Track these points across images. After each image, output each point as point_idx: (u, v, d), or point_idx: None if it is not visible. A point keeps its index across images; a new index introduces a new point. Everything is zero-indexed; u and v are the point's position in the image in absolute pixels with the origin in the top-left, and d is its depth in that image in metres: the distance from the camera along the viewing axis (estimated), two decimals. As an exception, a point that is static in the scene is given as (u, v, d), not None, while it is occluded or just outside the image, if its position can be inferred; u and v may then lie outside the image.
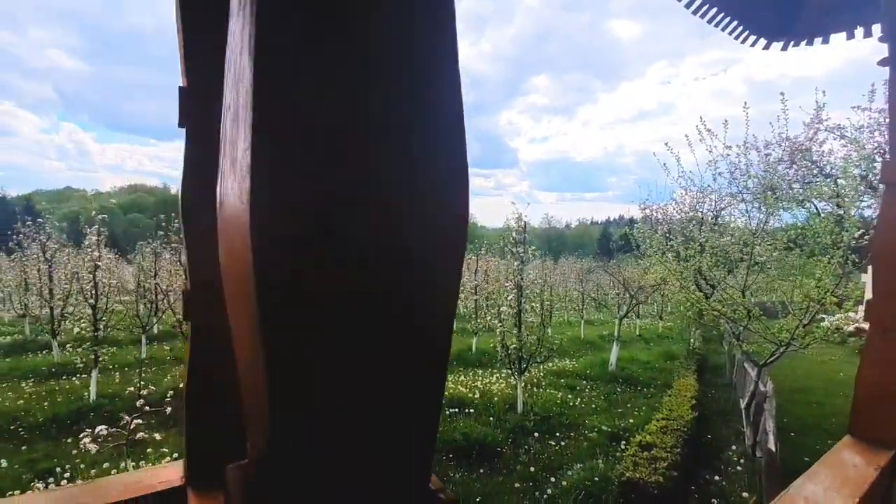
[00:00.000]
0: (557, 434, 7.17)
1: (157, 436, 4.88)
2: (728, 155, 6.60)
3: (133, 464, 4.54)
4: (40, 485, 4.76)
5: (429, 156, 0.46)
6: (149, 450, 5.43)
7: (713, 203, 8.92)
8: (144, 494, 1.23)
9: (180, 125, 1.29)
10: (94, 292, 7.66)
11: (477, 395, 8.51)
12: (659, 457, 5.07)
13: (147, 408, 4.48)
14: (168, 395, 5.36)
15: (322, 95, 0.41)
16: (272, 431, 0.40)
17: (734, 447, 6.52)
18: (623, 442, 6.69)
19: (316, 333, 0.42)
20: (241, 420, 1.35)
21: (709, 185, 7.53)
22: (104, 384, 8.32)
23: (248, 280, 0.40)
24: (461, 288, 20.41)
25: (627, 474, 4.69)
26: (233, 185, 0.44)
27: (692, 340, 12.37)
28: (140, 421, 4.49)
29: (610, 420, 7.76)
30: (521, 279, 7.62)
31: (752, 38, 3.01)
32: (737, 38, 3.10)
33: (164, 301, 10.80)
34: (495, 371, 11.18)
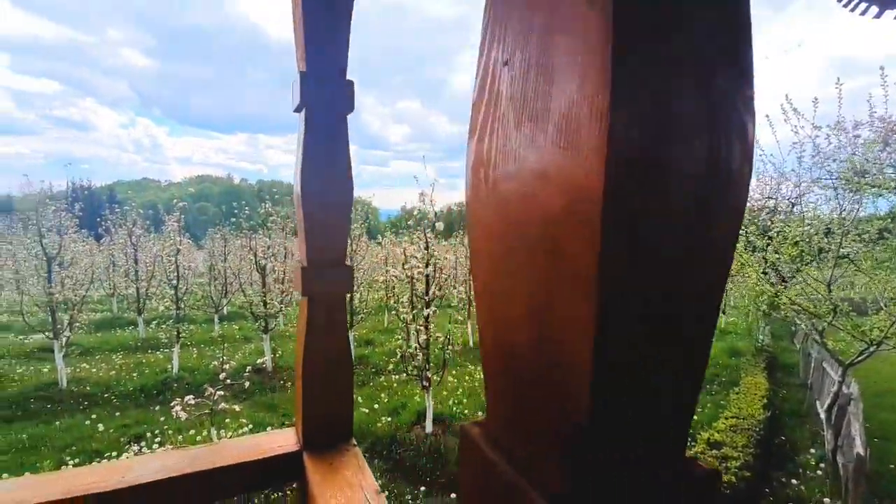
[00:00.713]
0: (616, 427, 6.99)
1: (236, 407, 5.22)
2: (817, 136, 6.05)
3: (215, 431, 4.88)
4: (134, 447, 5.23)
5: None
6: (227, 419, 5.82)
7: (792, 189, 8.27)
8: (265, 457, 1.31)
9: (297, 110, 1.33)
10: (175, 274, 8.25)
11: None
12: (730, 456, 4.83)
13: (227, 381, 4.80)
14: (245, 371, 5.70)
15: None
16: (596, 405, 0.36)
17: (812, 450, 6.09)
18: (689, 440, 6.42)
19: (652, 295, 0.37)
20: (345, 391, 1.39)
21: (792, 170, 6.96)
22: (184, 358, 8.98)
23: (579, 239, 0.34)
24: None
25: (696, 471, 4.50)
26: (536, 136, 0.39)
27: (761, 337, 11.61)
28: (221, 393, 4.82)
29: (671, 415, 7.46)
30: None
31: (864, 5, 2.73)
32: (846, 5, 2.81)
33: (235, 283, 11.47)
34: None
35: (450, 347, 6.21)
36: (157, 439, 5.39)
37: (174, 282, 8.34)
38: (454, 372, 8.37)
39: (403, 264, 5.92)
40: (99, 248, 17.20)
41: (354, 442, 1.43)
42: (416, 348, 6.28)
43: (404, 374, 6.52)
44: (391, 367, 9.74)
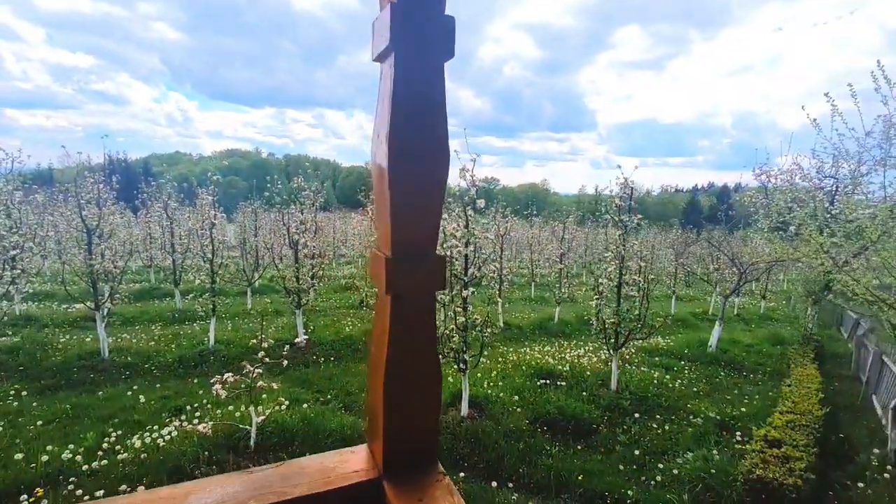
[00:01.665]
0: (657, 416, 6.70)
1: (274, 385, 5.14)
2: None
3: (252, 407, 4.81)
4: (176, 421, 5.23)
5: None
6: (264, 395, 5.77)
7: (853, 169, 7.58)
8: (340, 487, 1.08)
9: (378, 59, 1.04)
10: (211, 248, 8.22)
11: (566, 368, 8.18)
12: (792, 456, 4.49)
13: (266, 359, 4.69)
14: (284, 348, 5.59)
15: None
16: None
17: (875, 450, 5.67)
18: (737, 433, 6.09)
19: None
20: (433, 406, 1.13)
21: (879, 146, 6.32)
22: (219, 331, 9.05)
23: None
24: (543, 256, 19.82)
25: (757, 472, 4.19)
26: None
27: (809, 325, 10.98)
28: (259, 371, 4.73)
29: (715, 406, 7.12)
30: (624, 250, 7.02)
31: None
32: None
33: (266, 257, 11.48)
34: (580, 343, 10.75)
35: (488, 330, 5.97)
36: (197, 413, 5.39)
37: (209, 255, 8.31)
38: (485, 353, 8.16)
39: (442, 244, 5.65)
40: (136, 220, 17.56)
41: (443, 469, 1.18)
42: (452, 330, 6.07)
43: (443, 354, 6.35)
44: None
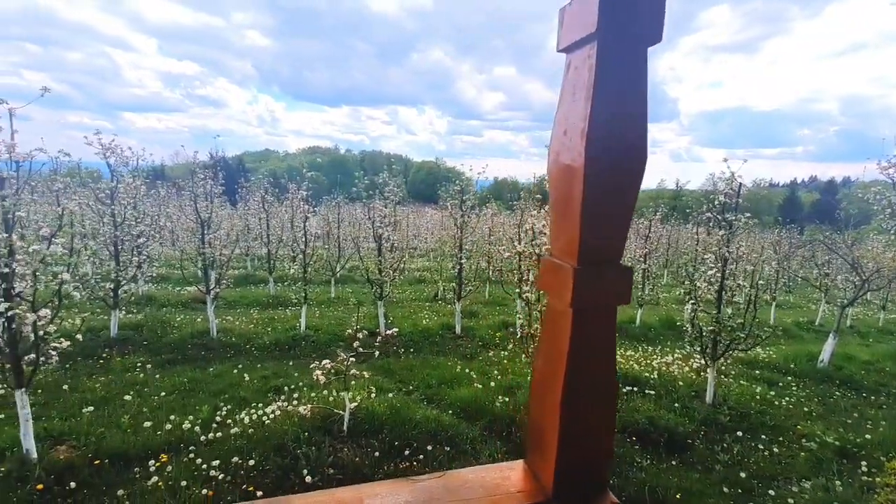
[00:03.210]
0: (762, 436, 6.06)
1: (365, 373, 5.30)
2: None
3: (345, 393, 4.99)
4: (276, 401, 5.58)
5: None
6: (353, 382, 5.98)
7: None
8: (509, 508, 1.01)
9: (571, 48, 0.94)
10: (304, 239, 8.69)
11: (654, 376, 7.67)
12: (946, 498, 3.82)
13: (360, 349, 4.84)
14: (376, 339, 5.75)
15: None
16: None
17: None
18: (862, 462, 5.34)
19: None
20: (607, 428, 1.02)
21: None
22: (309, 317, 9.57)
23: None
24: (625, 255, 18.83)
25: (902, 513, 3.61)
26: None
27: (949, 344, 9.40)
28: (353, 359, 4.89)
29: (832, 430, 6.30)
30: (728, 251, 6.40)
31: None
32: None
33: (348, 248, 11.96)
34: (666, 349, 10.06)
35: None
36: (295, 395, 5.71)
37: (302, 246, 8.80)
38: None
39: (532, 240, 5.49)
40: (234, 212, 19.15)
41: (614, 497, 1.07)
42: (537, 328, 5.90)
43: (523, 356, 6.23)
44: (497, 341, 9.53)
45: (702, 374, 7.42)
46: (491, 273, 13.04)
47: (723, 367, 8.65)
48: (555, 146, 0.99)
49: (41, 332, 3.82)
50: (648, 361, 8.59)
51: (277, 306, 11.29)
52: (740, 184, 6.35)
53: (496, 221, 16.59)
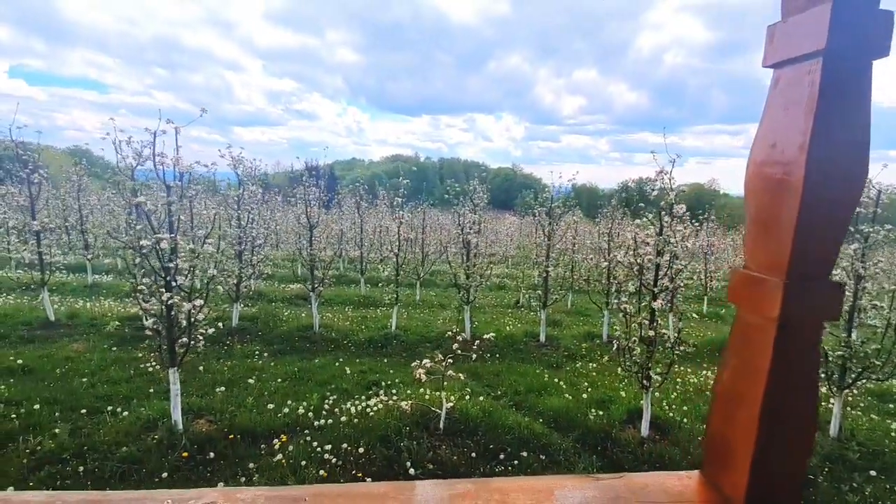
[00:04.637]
0: (904, 480, 5.26)
1: (461, 375, 5.43)
2: None
3: (441, 393, 5.15)
4: (374, 395, 5.89)
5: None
6: (445, 382, 6.15)
7: None
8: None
9: (802, 58, 0.94)
10: (397, 244, 9.11)
11: (765, 400, 6.99)
12: None
13: (459, 352, 4.98)
14: (463, 342, 5.88)
15: None
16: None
17: None
18: None
19: None
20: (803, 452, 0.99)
21: None
22: (398, 318, 9.97)
23: None
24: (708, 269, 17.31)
25: None
26: None
27: None
28: (451, 361, 5.04)
29: None
30: (863, 267, 5.66)
31: None
32: None
33: (436, 252, 12.29)
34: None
35: (681, 347, 5.40)
36: (394, 391, 5.99)
37: (395, 250, 9.23)
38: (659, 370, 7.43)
39: (634, 249, 5.29)
40: (330, 216, 20.56)
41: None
42: (635, 342, 5.65)
43: (619, 369, 5.99)
44: (583, 352, 9.24)
45: (825, 404, 6.62)
46: (574, 282, 12.68)
47: (850, 399, 7.64)
48: (758, 157, 0.99)
49: (192, 320, 4.40)
50: (756, 385, 7.84)
51: (368, 306, 11.91)
52: (879, 191, 5.61)
53: (580, 229, 16.11)
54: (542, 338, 9.66)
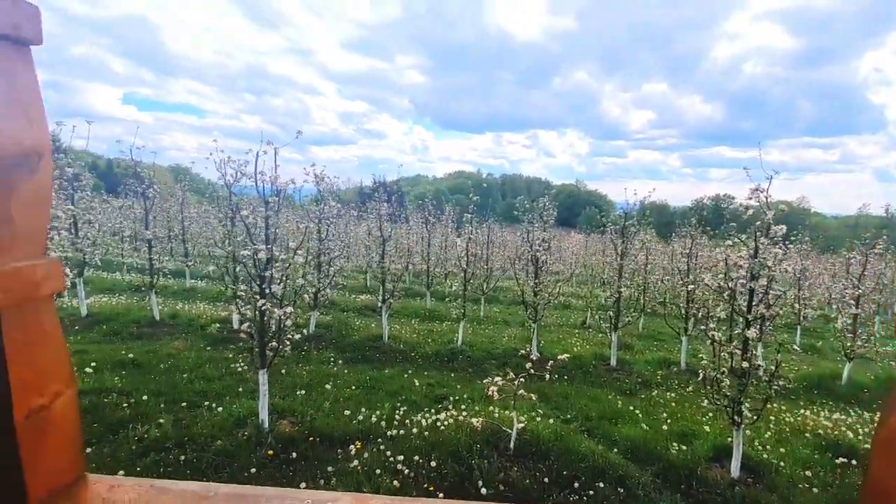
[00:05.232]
0: None
1: (533, 396, 5.28)
2: None
3: (513, 413, 5.03)
4: (443, 409, 5.88)
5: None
6: (515, 402, 6.02)
7: None
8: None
9: None
10: (466, 258, 9.14)
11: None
12: None
13: (532, 372, 4.86)
14: (547, 364, 5.71)
15: None
16: None
17: None
18: None
19: None
20: None
21: None
22: (463, 333, 9.96)
23: None
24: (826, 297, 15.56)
25: None
26: None
27: None
28: (522, 380, 4.92)
29: None
30: None
31: None
32: None
33: (502, 269, 12.17)
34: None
35: (780, 381, 4.89)
36: (462, 406, 5.95)
37: (463, 265, 9.27)
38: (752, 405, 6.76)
39: (725, 273, 4.90)
40: (399, 230, 21.19)
41: None
42: (724, 373, 5.19)
43: (705, 401, 5.51)
44: (659, 380, 8.66)
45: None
46: (647, 304, 11.99)
47: None
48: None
49: (282, 326, 4.67)
50: (866, 430, 6.87)
51: (434, 319, 12.02)
52: None
53: (652, 248, 15.30)
54: (613, 361, 9.20)
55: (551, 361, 5.02)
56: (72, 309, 9.29)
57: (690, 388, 7.80)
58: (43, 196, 1.01)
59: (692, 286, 7.96)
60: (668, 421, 6.41)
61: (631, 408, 6.81)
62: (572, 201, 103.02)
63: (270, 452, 4.54)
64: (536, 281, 9.03)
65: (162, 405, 5.26)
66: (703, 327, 5.23)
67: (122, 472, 3.93)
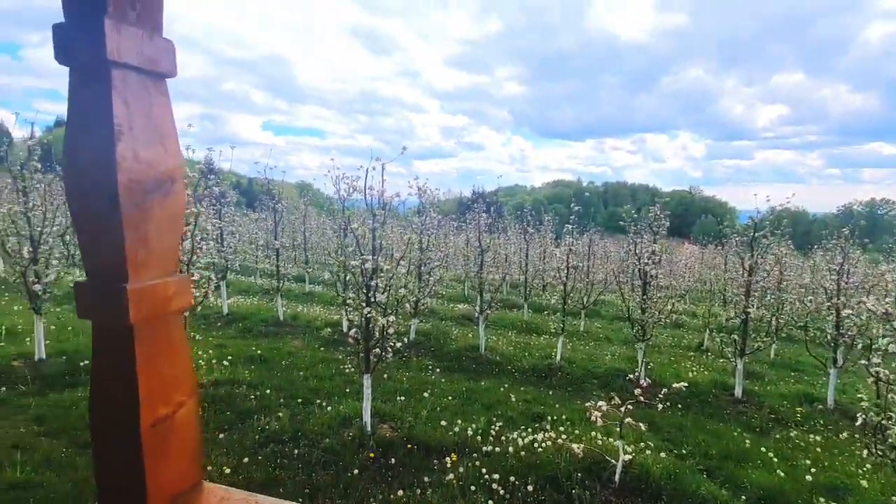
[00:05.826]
0: None
1: (642, 425, 4.76)
2: None
3: (619, 442, 4.57)
4: (540, 429, 5.57)
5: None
6: (619, 429, 5.48)
7: None
8: None
9: None
10: (566, 271, 8.70)
11: None
12: None
13: (642, 399, 4.37)
14: (658, 389, 5.17)
15: None
16: None
17: None
18: None
19: None
20: None
21: None
22: (573, 350, 9.47)
23: None
24: None
25: None
26: None
27: None
28: (631, 407, 4.45)
29: None
30: None
31: None
32: None
33: (605, 282, 11.39)
34: None
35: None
36: (561, 428, 5.59)
37: (563, 278, 8.84)
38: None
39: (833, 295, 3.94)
40: (497, 241, 21.12)
41: None
42: (892, 419, 4.15)
43: (864, 452, 4.47)
44: (798, 418, 7.31)
45: None
46: (781, 328, 10.27)
47: None
48: None
49: (385, 333, 4.80)
50: None
51: (531, 332, 11.64)
52: None
53: (788, 263, 13.18)
54: (738, 392, 8.00)
55: (665, 389, 4.47)
56: (216, 308, 10.70)
57: (845, 434, 6.46)
58: (175, 217, 1.08)
59: (848, 311, 6.57)
60: (812, 469, 5.34)
61: (762, 449, 5.82)
62: (684, 209, 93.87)
63: (371, 455, 4.66)
64: (644, 297, 8.25)
65: (281, 400, 5.74)
66: (862, 361, 4.25)
67: (245, 459, 4.32)
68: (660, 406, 4.83)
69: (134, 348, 0.95)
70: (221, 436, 4.67)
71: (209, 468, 4.06)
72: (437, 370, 7.80)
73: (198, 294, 5.79)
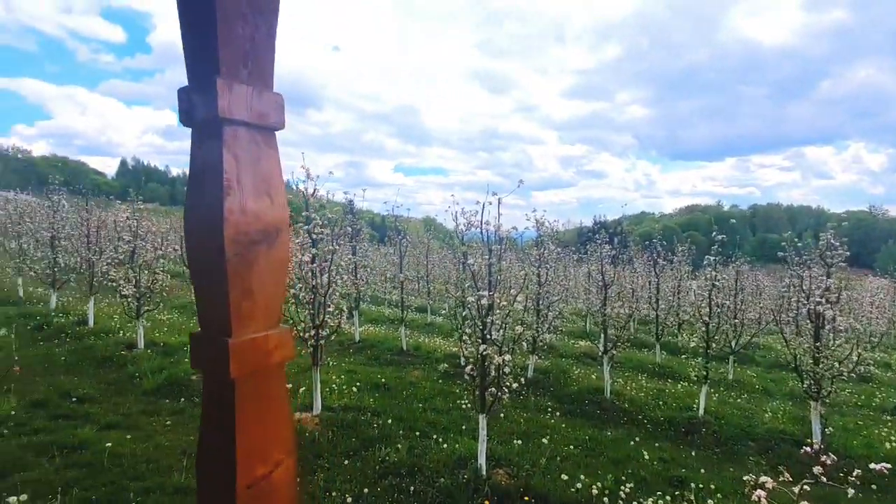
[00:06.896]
0: None
1: (829, 516, 3.66)
2: None
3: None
4: (686, 503, 4.66)
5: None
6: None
7: None
8: None
9: None
10: (709, 310, 7.49)
11: None
12: None
13: (824, 479, 3.35)
14: (842, 462, 4.00)
15: None
16: None
17: None
18: None
19: None
20: None
21: None
22: (707, 398, 8.05)
23: None
24: None
25: None
26: None
27: None
28: (808, 488, 3.44)
29: None
30: None
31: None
32: None
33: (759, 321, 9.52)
34: None
35: None
36: (711, 502, 4.62)
37: (705, 318, 7.60)
38: None
39: None
40: (622, 273, 19.46)
41: None
42: None
43: None
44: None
45: None
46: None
47: None
48: None
49: (501, 372, 4.56)
50: None
51: (666, 377, 10.19)
52: None
53: None
54: (979, 480, 5.79)
55: (857, 470, 3.37)
56: (349, 335, 11.57)
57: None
58: (279, 268, 1.05)
59: None
60: None
61: None
62: (864, 234, 76.36)
63: (486, 502, 4.36)
64: (817, 343, 6.63)
65: (401, 431, 5.78)
66: None
67: (366, 490, 4.36)
68: (850, 490, 3.68)
69: (234, 403, 0.91)
70: (346, 462, 4.83)
71: (333, 493, 4.18)
72: (557, 413, 7.19)
73: (332, 323, 6.27)
